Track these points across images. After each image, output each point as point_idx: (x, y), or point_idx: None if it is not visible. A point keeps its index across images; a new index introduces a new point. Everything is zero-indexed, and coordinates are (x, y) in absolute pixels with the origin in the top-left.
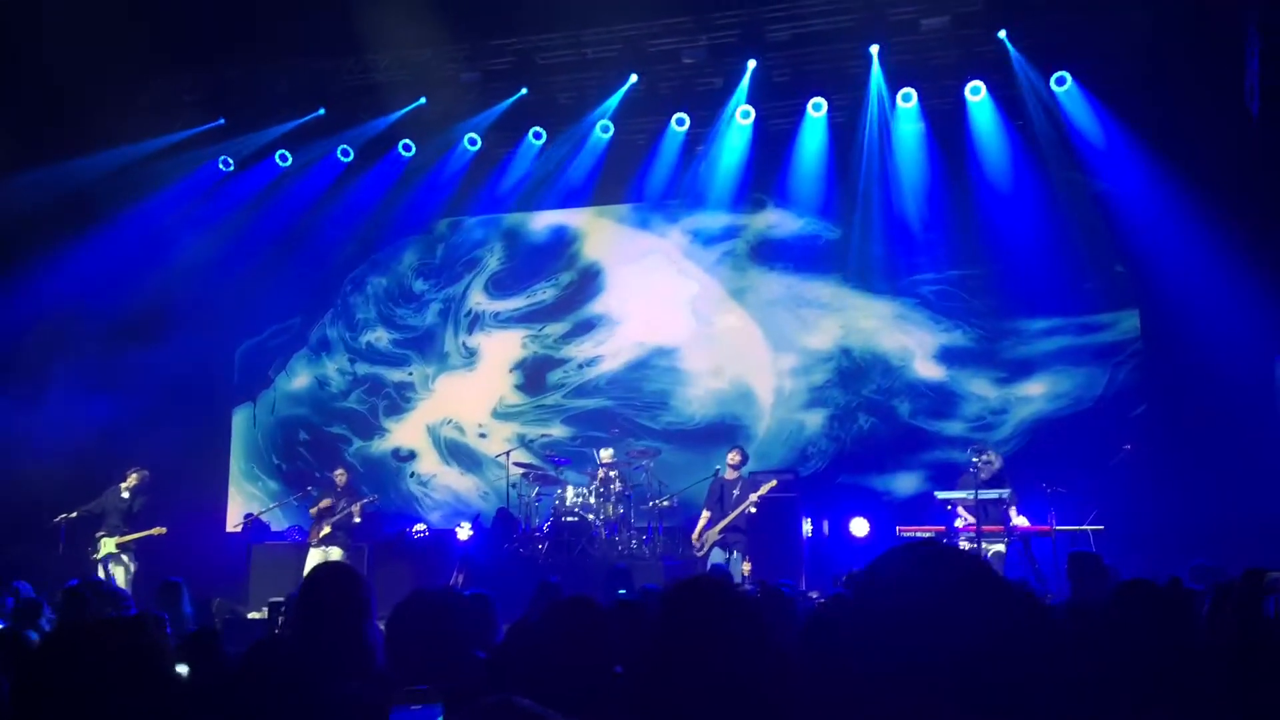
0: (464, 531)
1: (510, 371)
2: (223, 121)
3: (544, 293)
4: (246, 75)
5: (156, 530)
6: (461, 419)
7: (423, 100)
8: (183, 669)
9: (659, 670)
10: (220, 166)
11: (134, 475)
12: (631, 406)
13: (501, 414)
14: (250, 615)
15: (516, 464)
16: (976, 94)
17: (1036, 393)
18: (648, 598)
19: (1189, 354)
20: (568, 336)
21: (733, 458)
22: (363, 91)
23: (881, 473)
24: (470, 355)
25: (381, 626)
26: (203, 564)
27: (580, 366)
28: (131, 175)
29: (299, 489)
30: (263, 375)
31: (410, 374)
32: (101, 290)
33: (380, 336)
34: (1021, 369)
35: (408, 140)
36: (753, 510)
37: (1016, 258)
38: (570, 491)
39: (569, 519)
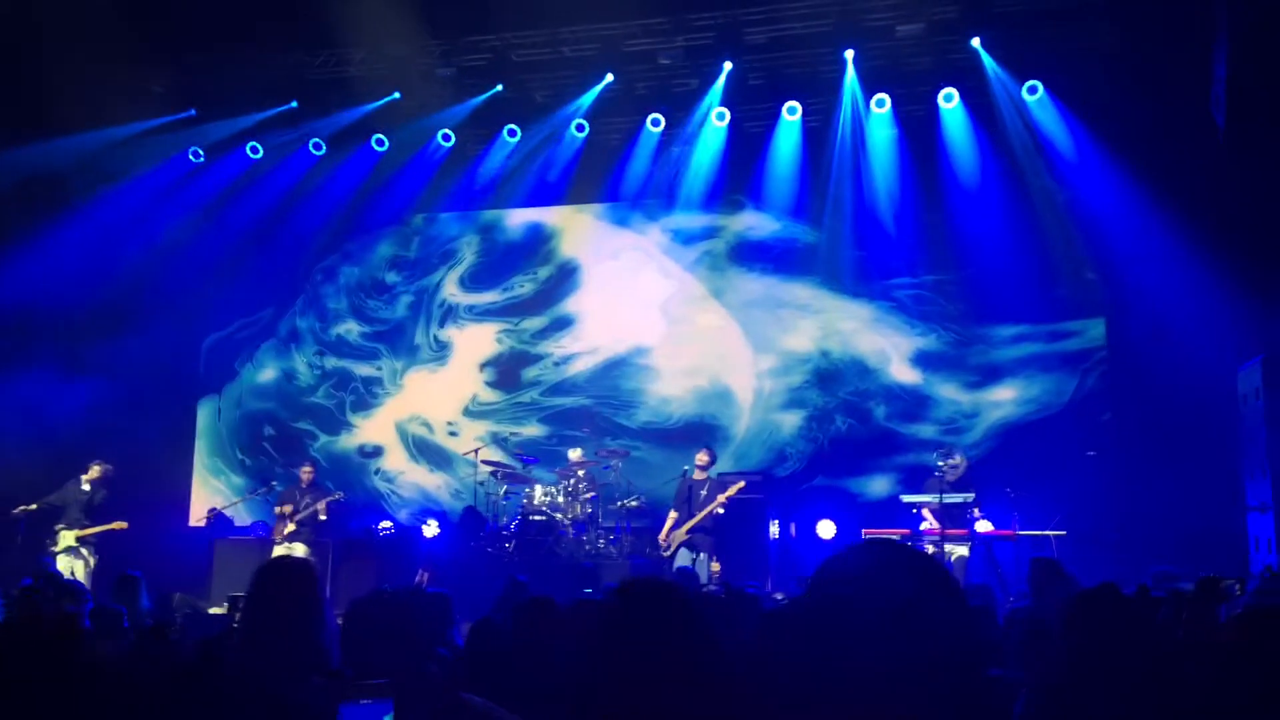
0: (431, 529)
1: (483, 368)
2: (194, 112)
3: (521, 287)
4: (218, 66)
5: (117, 525)
6: (431, 416)
7: (397, 95)
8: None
9: (603, 673)
10: (190, 158)
11: (96, 468)
12: (609, 405)
13: (474, 412)
14: (211, 610)
15: (485, 462)
16: (949, 101)
17: (1007, 397)
18: (609, 595)
19: (1154, 363)
20: (545, 332)
21: (701, 458)
22: (336, 85)
23: (856, 475)
24: (441, 349)
25: (340, 622)
26: (165, 558)
27: (557, 364)
28: (99, 164)
29: (263, 484)
30: (229, 368)
31: (379, 368)
32: (66, 280)
33: (350, 328)
34: (993, 374)
35: (380, 135)
36: (721, 511)
37: (988, 264)
38: (538, 490)
39: (537, 518)
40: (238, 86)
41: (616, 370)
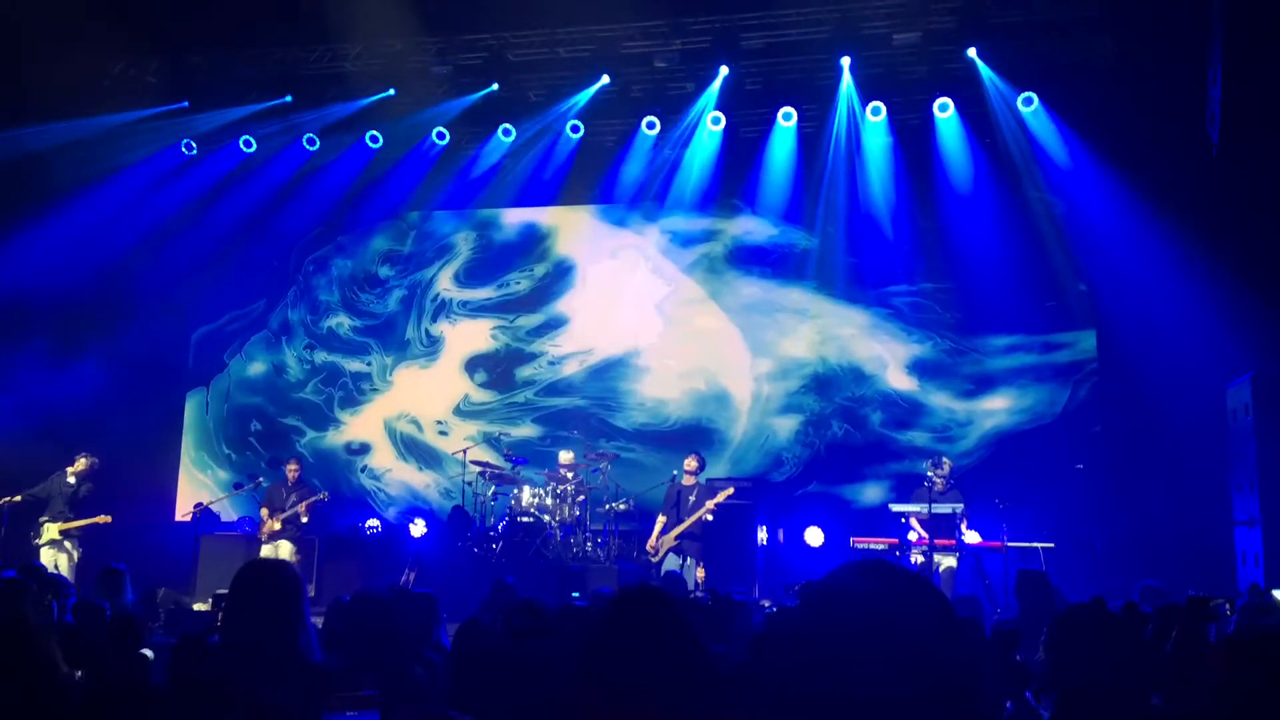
0: (418, 528)
1: (475, 367)
2: (186, 104)
3: (518, 284)
4: (212, 59)
5: (102, 518)
6: (420, 414)
7: (391, 91)
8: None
9: (593, 681)
10: (183, 150)
11: (82, 460)
12: (604, 406)
13: (465, 411)
14: (196, 606)
15: (474, 462)
16: (945, 110)
17: (1000, 406)
18: (599, 602)
19: (1144, 377)
20: (540, 330)
21: (690, 464)
22: (331, 80)
23: (851, 481)
24: (432, 343)
25: (319, 623)
26: (150, 553)
27: (552, 363)
28: (90, 154)
29: (249, 480)
30: (218, 360)
31: (369, 364)
32: (54, 271)
33: (342, 322)
34: (986, 383)
35: (375, 131)
36: (709, 518)
37: (983, 273)
38: (527, 492)
39: (524, 519)
40: (232, 79)
41: (612, 371)
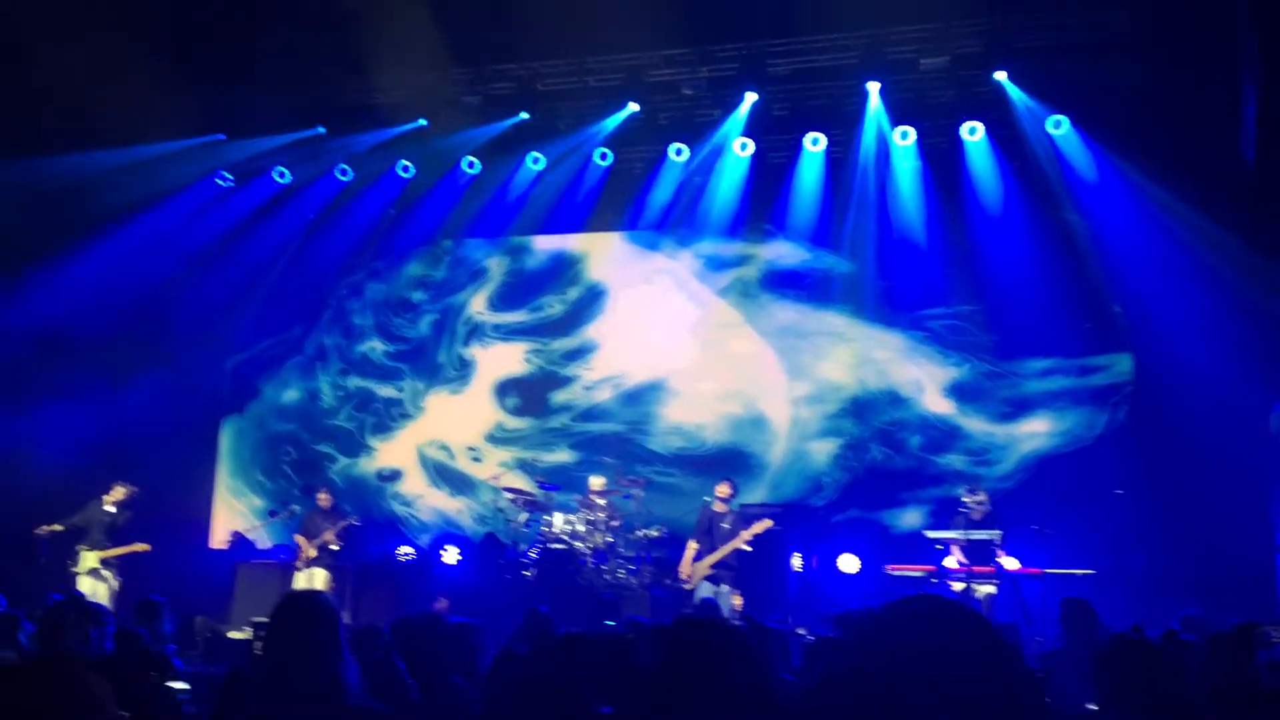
0: (450, 556)
1: (507, 393)
2: (223, 136)
3: (551, 307)
4: (248, 92)
5: (140, 546)
6: (452, 441)
7: (423, 121)
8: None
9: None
10: (218, 182)
11: (119, 489)
12: (641, 431)
13: (499, 438)
14: (232, 634)
15: (505, 489)
16: (974, 134)
17: (1038, 430)
18: (635, 630)
19: (1182, 399)
20: (574, 354)
21: (722, 490)
22: (363, 111)
23: (891, 506)
24: (464, 367)
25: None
26: (187, 581)
27: (587, 388)
28: (128, 186)
29: (283, 507)
30: (252, 386)
31: (401, 389)
32: (93, 301)
33: (375, 346)
34: (1024, 406)
35: (406, 161)
36: (748, 548)
37: (1018, 296)
38: (558, 518)
39: (557, 546)
40: (267, 112)
41: (647, 395)
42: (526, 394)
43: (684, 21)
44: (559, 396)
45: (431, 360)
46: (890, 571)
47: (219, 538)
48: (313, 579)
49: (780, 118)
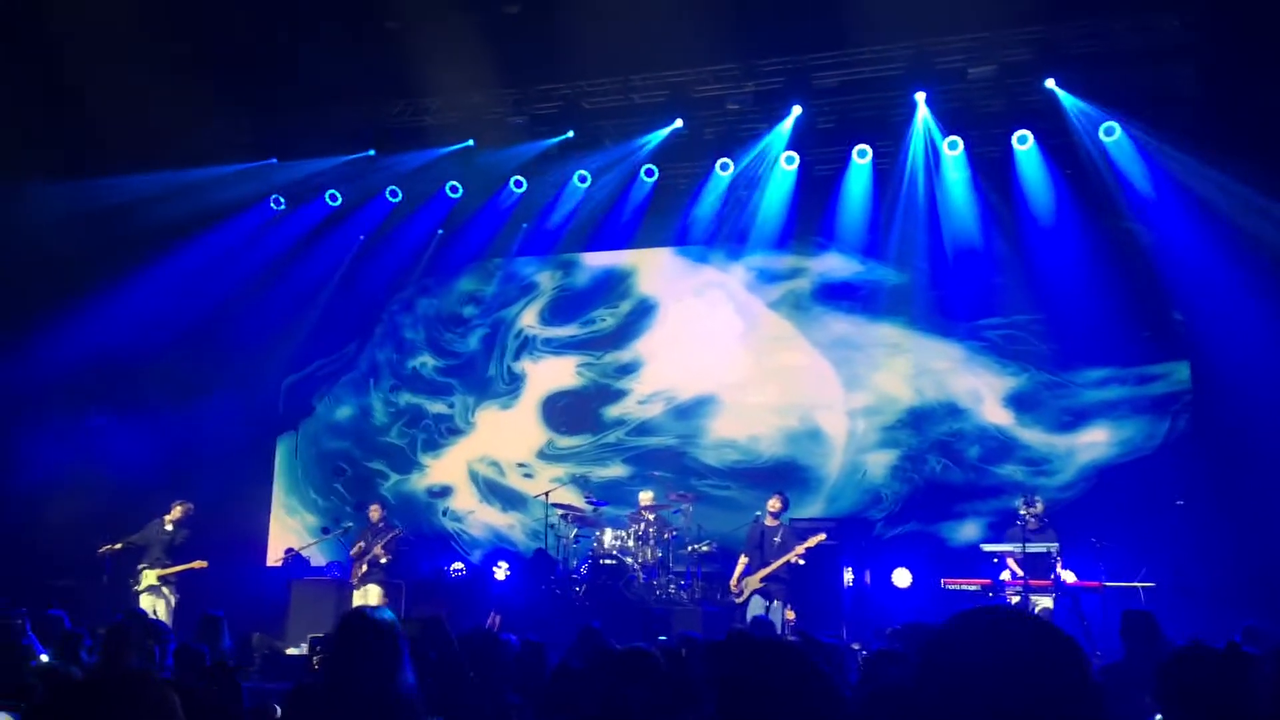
0: (501, 572)
1: (557, 406)
2: (275, 161)
3: (603, 320)
4: (299, 116)
5: (198, 564)
6: (503, 457)
7: (470, 142)
8: None
9: None
10: (272, 205)
11: (178, 508)
12: (695, 445)
13: (550, 455)
14: (289, 651)
15: (555, 505)
16: (1024, 143)
17: (1098, 440)
18: (687, 645)
19: (1241, 407)
20: (626, 368)
21: (774, 504)
22: (412, 133)
23: (950, 519)
24: (513, 380)
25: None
26: (243, 598)
27: (641, 402)
28: (185, 211)
29: (335, 524)
30: (306, 404)
31: (451, 405)
32: (152, 324)
33: (426, 361)
34: (1083, 416)
35: (455, 182)
36: (801, 562)
37: (1074, 304)
38: (608, 534)
39: (607, 561)
40: (318, 136)
41: (701, 409)
42: (578, 409)
43: (729, 37)
44: (612, 411)
45: (482, 375)
46: (946, 586)
47: (274, 555)
48: (367, 596)
49: (826, 130)
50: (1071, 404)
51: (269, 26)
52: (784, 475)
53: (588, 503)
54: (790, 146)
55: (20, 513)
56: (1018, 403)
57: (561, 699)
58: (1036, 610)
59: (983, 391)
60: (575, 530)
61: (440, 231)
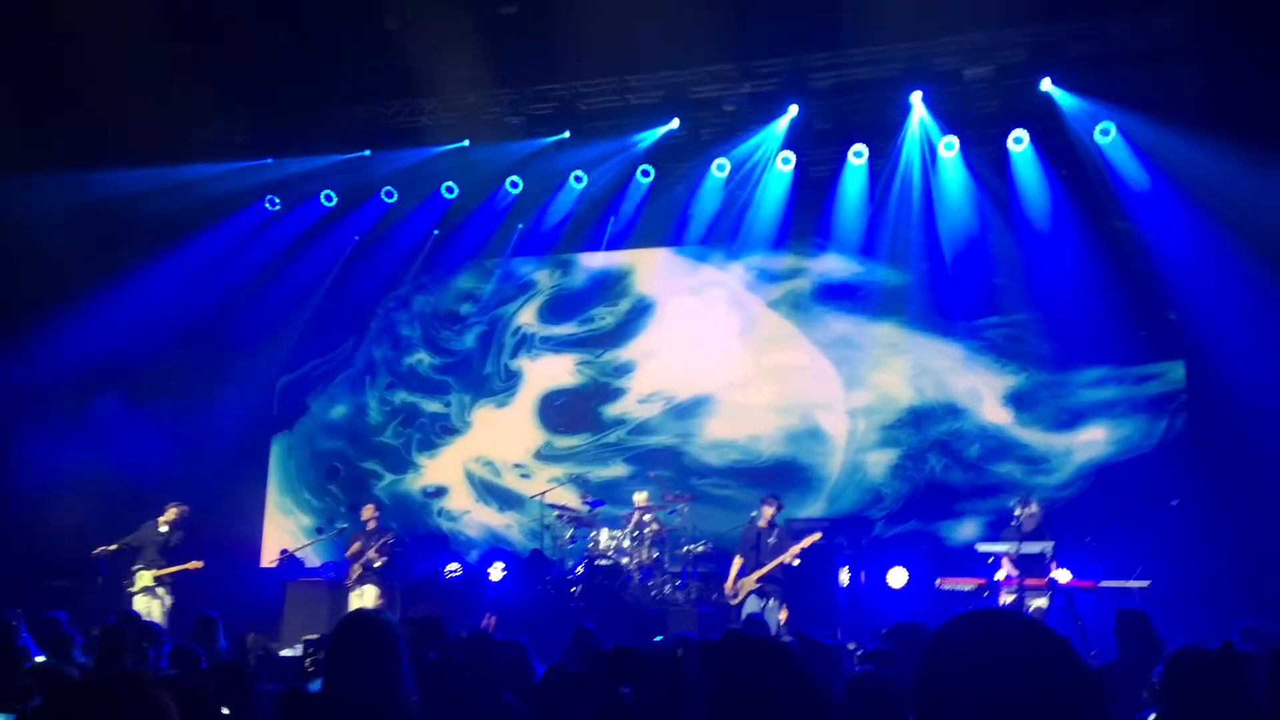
0: (496, 572)
1: (555, 407)
2: (270, 161)
3: (602, 319)
4: (295, 117)
5: (193, 564)
6: (498, 458)
7: (466, 143)
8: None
9: None
10: (267, 206)
11: (172, 509)
12: (695, 444)
13: (547, 455)
14: (283, 652)
15: (551, 505)
16: (1019, 143)
17: (1096, 439)
18: (683, 645)
19: (1236, 407)
20: (625, 367)
21: (768, 512)
22: (407, 134)
23: (949, 518)
24: (510, 378)
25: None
26: (238, 599)
27: (641, 401)
28: (180, 211)
29: (329, 525)
30: (301, 403)
31: (447, 404)
32: (146, 325)
33: (422, 359)
34: (1082, 415)
35: (450, 183)
36: (796, 562)
37: (1071, 304)
38: (604, 534)
39: (602, 562)
40: (313, 136)
41: (701, 408)
42: (577, 408)
43: (725, 37)
44: (611, 410)
45: (478, 372)
46: (941, 585)
47: (269, 556)
48: (364, 597)
49: (823, 131)
50: (1069, 403)
51: (267, 26)
52: (785, 474)
53: (584, 503)
54: (786, 147)
55: (15, 514)
56: (1017, 402)
57: (556, 700)
58: (1031, 610)
59: (982, 391)
60: (571, 530)
61: (436, 232)
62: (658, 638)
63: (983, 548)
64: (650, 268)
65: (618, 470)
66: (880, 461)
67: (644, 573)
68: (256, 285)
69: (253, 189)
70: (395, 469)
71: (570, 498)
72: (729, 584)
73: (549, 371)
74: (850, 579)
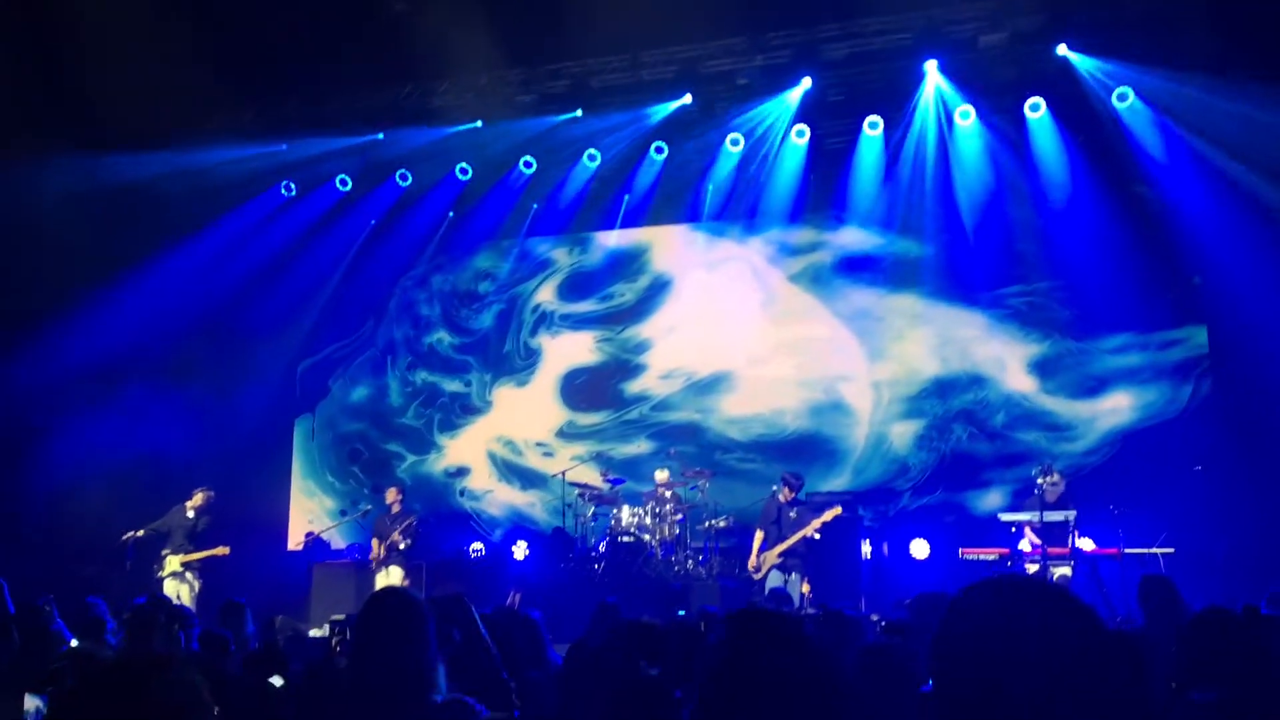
0: (520, 551)
1: (575, 383)
2: (284, 147)
3: (621, 295)
4: (308, 101)
5: (220, 550)
6: (521, 437)
7: (479, 123)
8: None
9: (720, 700)
10: (283, 192)
11: (199, 495)
12: (719, 419)
13: (570, 434)
14: (312, 633)
15: (572, 483)
16: (1036, 110)
17: (1122, 405)
18: (705, 619)
19: (1260, 371)
20: (646, 343)
21: (785, 495)
22: (420, 116)
23: (975, 488)
24: (530, 356)
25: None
26: (265, 582)
27: (663, 377)
28: (196, 196)
29: (353, 508)
30: (322, 386)
31: (468, 384)
32: (167, 312)
33: (442, 338)
34: (1106, 381)
35: (464, 164)
36: (816, 536)
37: (1093, 271)
38: (626, 511)
39: (625, 539)
40: (326, 120)
41: (724, 382)
42: (598, 386)
43: (737, 11)
44: (632, 387)
45: (498, 351)
46: (963, 556)
47: (295, 539)
48: (390, 577)
49: (837, 103)
50: (1094, 370)
51: (277, 10)
52: (809, 448)
53: (605, 481)
54: (800, 120)
55: (43, 503)
56: (1041, 369)
57: (577, 672)
58: (1055, 579)
59: (1006, 359)
60: (593, 508)
61: (451, 214)
62: (680, 612)
63: (1005, 517)
64: (667, 244)
65: (641, 447)
66: (905, 433)
67: (666, 548)
68: (274, 270)
69: (268, 174)
70: (417, 450)
71: (592, 476)
72: (752, 559)
73: (569, 349)
74: (873, 551)
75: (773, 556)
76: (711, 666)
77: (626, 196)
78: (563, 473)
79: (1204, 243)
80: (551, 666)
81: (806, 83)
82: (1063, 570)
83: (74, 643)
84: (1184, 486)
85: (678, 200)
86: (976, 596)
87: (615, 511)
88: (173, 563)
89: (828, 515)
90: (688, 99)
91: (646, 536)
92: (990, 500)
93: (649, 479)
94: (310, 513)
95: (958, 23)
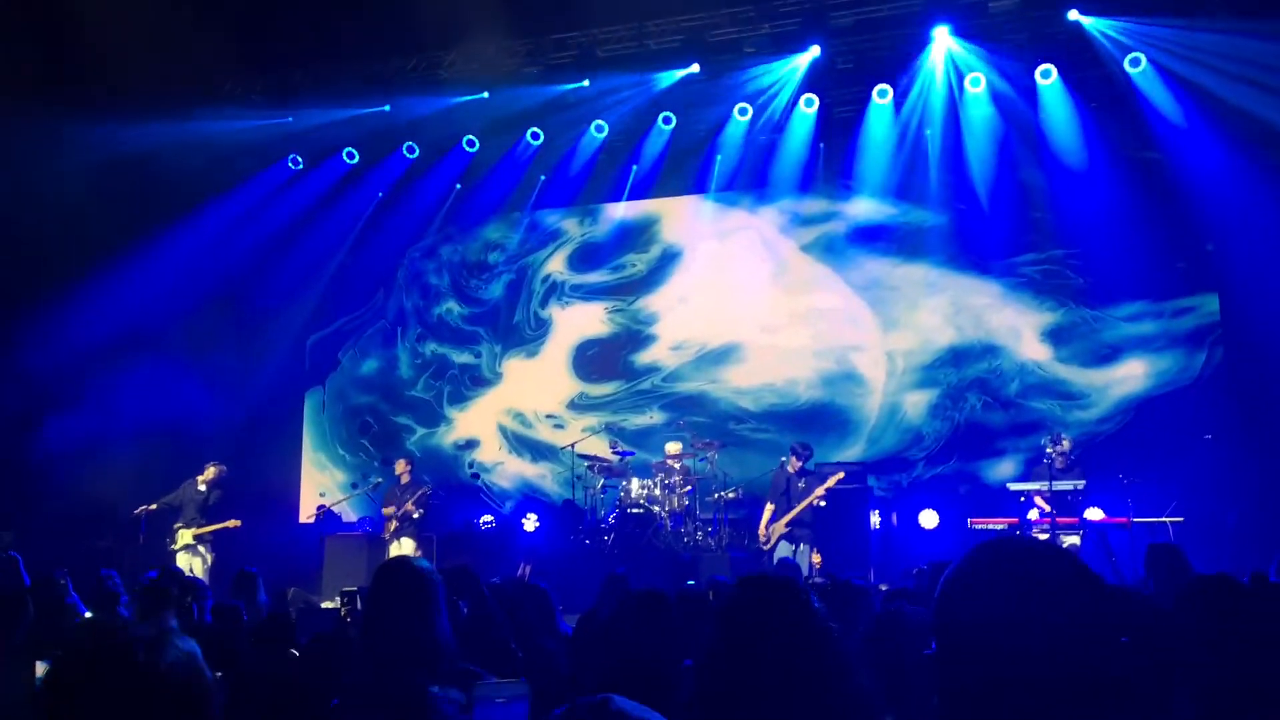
0: (530, 523)
1: (586, 355)
2: (291, 120)
3: (633, 266)
4: (314, 74)
5: (232, 523)
6: (531, 409)
7: (485, 95)
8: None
9: (722, 666)
10: (290, 165)
11: (211, 469)
12: (731, 389)
13: (581, 405)
14: (325, 604)
15: (581, 455)
16: (1047, 77)
17: (1135, 373)
18: (715, 588)
19: (1273, 339)
20: (658, 314)
21: (793, 465)
22: (427, 87)
23: (988, 457)
24: (540, 327)
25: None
26: (277, 554)
27: (674, 348)
28: (202, 171)
29: (363, 480)
30: (332, 359)
31: (478, 355)
32: (176, 287)
33: (451, 309)
34: (1120, 349)
35: (471, 136)
36: (822, 504)
37: (1106, 239)
38: (635, 483)
39: (634, 511)
40: (332, 91)
41: (736, 352)
42: (609, 357)
43: None
44: (643, 357)
45: (507, 321)
46: (973, 525)
47: (306, 512)
48: (401, 548)
49: (845, 71)
50: (1107, 338)
51: None
52: (823, 417)
53: (614, 452)
54: (808, 89)
55: (56, 477)
56: (1055, 338)
57: (587, 643)
58: (1064, 548)
59: (1020, 328)
60: (602, 481)
61: (458, 186)
62: (690, 581)
63: (1015, 487)
64: (677, 215)
65: (653, 418)
66: (919, 402)
67: (675, 520)
68: (283, 244)
69: (275, 146)
70: (427, 423)
71: (601, 448)
72: (761, 529)
73: (580, 320)
74: (882, 521)
75: (780, 527)
76: (713, 632)
77: (635, 167)
78: (572, 445)
79: (1216, 210)
80: (561, 637)
81: (815, 51)
82: (1072, 539)
83: (88, 615)
84: (1195, 455)
85: (686, 171)
86: (979, 556)
87: (624, 483)
88: (185, 536)
89: (831, 481)
90: (695, 68)
91: (656, 508)
92: (1004, 469)
93: (660, 450)
94: (321, 486)
95: None
